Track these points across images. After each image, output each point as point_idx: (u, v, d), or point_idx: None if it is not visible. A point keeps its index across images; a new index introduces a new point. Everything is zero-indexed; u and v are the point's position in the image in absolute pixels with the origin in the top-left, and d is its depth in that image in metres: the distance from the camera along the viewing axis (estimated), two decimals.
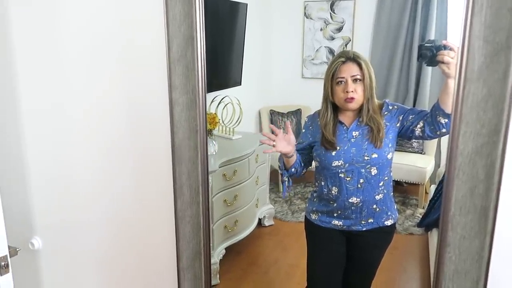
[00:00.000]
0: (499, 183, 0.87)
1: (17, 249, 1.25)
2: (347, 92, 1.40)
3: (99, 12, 1.17)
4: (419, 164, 2.20)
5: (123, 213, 1.30)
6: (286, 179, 1.53)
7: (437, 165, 2.24)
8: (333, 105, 1.47)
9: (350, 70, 1.40)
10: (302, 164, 1.54)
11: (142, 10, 1.12)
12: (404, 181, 2.30)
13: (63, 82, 1.27)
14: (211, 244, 2.03)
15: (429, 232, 2.13)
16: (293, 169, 1.51)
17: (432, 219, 2.04)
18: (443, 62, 1.19)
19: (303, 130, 1.59)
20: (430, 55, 1.21)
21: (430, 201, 2.13)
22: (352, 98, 1.40)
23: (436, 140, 2.14)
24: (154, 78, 1.14)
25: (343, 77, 1.41)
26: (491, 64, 0.84)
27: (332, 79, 1.43)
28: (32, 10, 1.24)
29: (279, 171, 1.56)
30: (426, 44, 1.22)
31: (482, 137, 0.87)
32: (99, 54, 1.20)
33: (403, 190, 2.39)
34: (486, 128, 0.86)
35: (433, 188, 2.20)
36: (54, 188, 1.37)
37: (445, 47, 1.19)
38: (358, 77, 1.40)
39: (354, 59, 1.41)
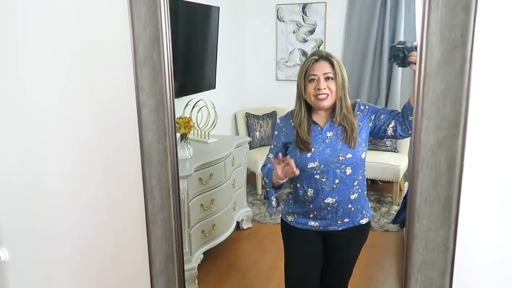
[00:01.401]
0: (460, 174, 0.90)
1: None
2: (319, 89, 1.42)
3: (64, 13, 1.15)
4: (392, 162, 2.24)
5: (93, 218, 1.28)
6: (274, 199, 1.54)
7: (411, 163, 2.28)
8: (306, 105, 1.48)
9: (322, 68, 1.42)
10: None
11: (107, 12, 1.10)
12: (379, 179, 2.34)
13: (26, 84, 1.24)
14: (188, 249, 2.02)
15: (404, 229, 2.17)
16: (280, 189, 1.52)
17: (406, 215, 2.08)
18: (414, 63, 1.21)
19: (276, 132, 1.60)
20: (402, 56, 1.23)
21: (404, 198, 2.17)
22: (324, 94, 1.42)
23: (409, 138, 2.19)
24: (121, 80, 1.12)
25: (315, 75, 1.42)
26: (448, 59, 0.87)
27: (305, 77, 1.44)
28: None
29: (267, 187, 1.56)
30: (397, 46, 1.24)
31: (443, 130, 0.90)
32: (63, 55, 1.18)
33: (378, 188, 2.43)
34: (446, 122, 0.89)
35: (407, 185, 2.25)
36: (19, 195, 1.33)
37: (415, 48, 1.21)
38: (330, 75, 1.42)
39: (326, 57, 1.44)
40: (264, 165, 1.60)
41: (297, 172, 1.39)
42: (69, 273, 1.35)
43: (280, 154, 1.40)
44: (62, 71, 1.19)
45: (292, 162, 1.38)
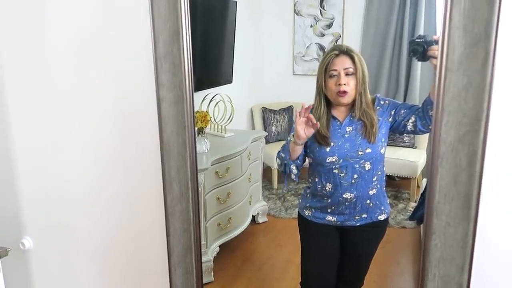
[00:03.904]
0: (481, 170, 0.89)
1: (8, 250, 1.25)
2: (339, 85, 1.41)
3: (84, 9, 1.17)
4: (410, 158, 2.21)
5: (113, 210, 1.31)
6: (294, 167, 1.49)
7: (429, 159, 2.25)
8: (326, 100, 1.48)
9: (343, 63, 1.41)
10: (302, 158, 1.52)
11: (127, 6, 1.12)
12: (396, 175, 2.32)
13: (50, 83, 1.27)
14: (205, 242, 2.05)
15: (421, 225, 2.15)
16: (298, 161, 1.49)
17: (424, 212, 2.05)
18: (434, 57, 1.18)
19: (295, 125, 1.59)
20: (421, 50, 1.21)
21: (422, 194, 2.14)
22: (345, 92, 1.41)
23: (427, 134, 2.16)
24: (141, 75, 1.14)
25: (336, 70, 1.41)
26: (470, 54, 0.85)
27: (325, 72, 1.43)
28: (17, 9, 1.24)
29: (283, 161, 1.51)
30: (416, 40, 1.22)
31: (464, 126, 0.88)
32: (84, 53, 1.20)
33: (396, 184, 2.40)
34: (468, 117, 0.88)
35: (424, 181, 2.22)
36: (44, 188, 1.37)
37: (435, 42, 1.19)
38: (351, 70, 1.41)
39: (347, 52, 1.42)
40: (279, 150, 1.56)
41: (318, 124, 1.35)
42: (90, 262, 1.40)
43: (304, 104, 1.34)
44: (85, 70, 1.22)
45: (312, 116, 1.34)
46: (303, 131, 1.38)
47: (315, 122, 1.36)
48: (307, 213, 1.60)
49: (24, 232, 1.42)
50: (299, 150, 1.45)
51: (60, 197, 1.36)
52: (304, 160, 1.55)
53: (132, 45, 1.15)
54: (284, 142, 1.62)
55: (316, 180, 1.52)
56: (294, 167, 1.49)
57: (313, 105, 1.50)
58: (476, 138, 0.88)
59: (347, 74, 1.41)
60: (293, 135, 1.42)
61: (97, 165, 1.28)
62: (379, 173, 1.49)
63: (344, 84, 1.40)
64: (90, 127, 1.26)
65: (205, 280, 2.02)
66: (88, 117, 1.25)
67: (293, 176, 1.51)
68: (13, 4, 1.24)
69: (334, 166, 1.46)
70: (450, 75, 0.87)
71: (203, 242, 2.03)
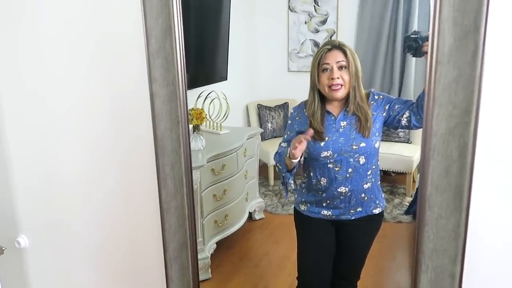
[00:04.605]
0: (472, 162, 0.90)
1: (3, 248, 1.25)
2: (332, 78, 1.42)
3: (76, 5, 1.17)
4: (405, 153, 2.22)
5: (109, 207, 1.31)
6: (292, 181, 1.53)
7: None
8: (320, 95, 1.48)
9: (335, 57, 1.42)
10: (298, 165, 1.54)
11: (119, 3, 1.12)
12: (391, 170, 2.32)
13: (43, 79, 1.27)
14: (201, 239, 2.06)
15: (416, 220, 2.16)
16: (295, 170, 1.51)
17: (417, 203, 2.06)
18: None
19: (289, 122, 1.60)
20: (416, 46, 1.21)
21: (417, 189, 2.15)
22: (338, 85, 1.42)
23: (422, 129, 2.16)
24: (134, 71, 1.14)
25: (329, 64, 1.42)
26: (460, 46, 0.86)
27: (318, 67, 1.44)
28: (8, 5, 1.23)
29: (281, 173, 1.55)
30: (411, 36, 1.22)
31: (455, 118, 0.89)
32: (77, 48, 1.20)
33: (391, 179, 2.41)
34: (458, 109, 0.89)
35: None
36: (38, 185, 1.37)
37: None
38: (343, 63, 1.42)
39: (339, 46, 1.44)
40: (277, 153, 1.60)
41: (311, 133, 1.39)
42: (85, 258, 1.40)
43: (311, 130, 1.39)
44: (78, 66, 1.22)
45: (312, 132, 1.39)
46: (301, 152, 1.40)
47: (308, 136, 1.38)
48: (302, 208, 1.61)
49: (20, 231, 1.42)
50: (295, 163, 1.47)
51: (55, 194, 1.36)
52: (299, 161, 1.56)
53: (124, 41, 1.15)
54: (279, 139, 1.63)
55: (311, 174, 1.53)
56: (292, 182, 1.53)
57: (307, 100, 1.51)
58: (467, 130, 0.89)
59: (340, 68, 1.42)
60: (289, 153, 1.43)
61: (92, 161, 1.28)
62: (374, 167, 1.50)
63: (337, 78, 1.41)
64: (84, 123, 1.26)
65: (202, 277, 2.03)
66: (81, 113, 1.25)
67: (291, 189, 1.56)
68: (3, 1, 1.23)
69: (328, 161, 1.46)
70: (440, 67, 0.88)
71: (200, 239, 2.04)
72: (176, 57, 1.05)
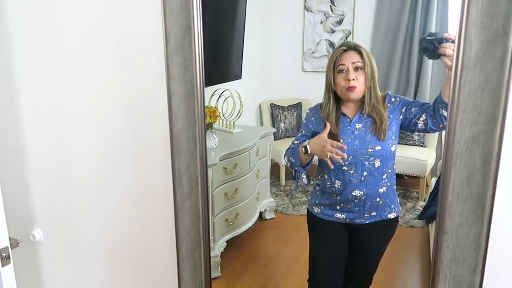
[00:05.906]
0: (496, 171, 0.87)
1: (18, 241, 1.26)
2: (348, 80, 1.40)
3: (96, 5, 1.17)
4: (420, 157, 2.19)
5: (123, 204, 1.31)
6: (305, 176, 1.51)
7: (438, 158, 2.23)
8: (335, 97, 1.47)
9: (351, 58, 1.41)
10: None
11: (139, 1, 1.12)
12: (405, 174, 2.30)
13: (61, 78, 1.27)
14: (212, 237, 2.06)
15: (430, 225, 2.13)
16: (309, 165, 1.51)
17: (433, 211, 2.04)
18: (445, 55, 1.17)
19: (304, 121, 1.59)
20: (432, 48, 1.19)
21: (431, 193, 2.13)
22: (354, 87, 1.40)
23: (437, 133, 2.14)
24: (152, 70, 1.14)
25: (344, 64, 1.41)
26: (487, 51, 0.84)
27: (333, 68, 1.43)
28: (29, 6, 1.24)
29: (293, 167, 1.54)
30: (427, 37, 1.20)
31: (479, 125, 0.87)
32: (96, 48, 1.20)
33: (404, 183, 2.38)
34: (483, 116, 0.86)
35: (434, 181, 2.20)
36: (54, 181, 1.38)
37: (446, 40, 1.17)
38: (359, 64, 1.40)
39: (355, 48, 1.42)
40: (289, 148, 1.58)
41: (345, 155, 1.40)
42: (99, 255, 1.40)
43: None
44: (97, 65, 1.22)
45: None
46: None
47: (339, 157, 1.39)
48: (316, 210, 1.60)
49: (35, 224, 1.44)
50: (310, 157, 1.47)
51: (71, 190, 1.37)
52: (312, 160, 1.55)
53: (144, 40, 1.14)
54: (292, 139, 1.62)
55: (326, 177, 1.51)
56: (304, 177, 1.51)
57: (322, 102, 1.50)
58: (492, 137, 0.86)
59: (355, 69, 1.40)
60: (307, 144, 1.44)
61: (108, 159, 1.29)
62: (389, 170, 1.48)
63: (353, 79, 1.39)
64: (101, 121, 1.26)
65: (212, 275, 2.02)
66: (99, 112, 1.26)
67: (302, 184, 1.53)
68: (27, 2, 1.24)
69: (343, 163, 1.45)
70: (466, 72, 0.86)
71: (210, 238, 2.04)
72: (195, 56, 1.05)
